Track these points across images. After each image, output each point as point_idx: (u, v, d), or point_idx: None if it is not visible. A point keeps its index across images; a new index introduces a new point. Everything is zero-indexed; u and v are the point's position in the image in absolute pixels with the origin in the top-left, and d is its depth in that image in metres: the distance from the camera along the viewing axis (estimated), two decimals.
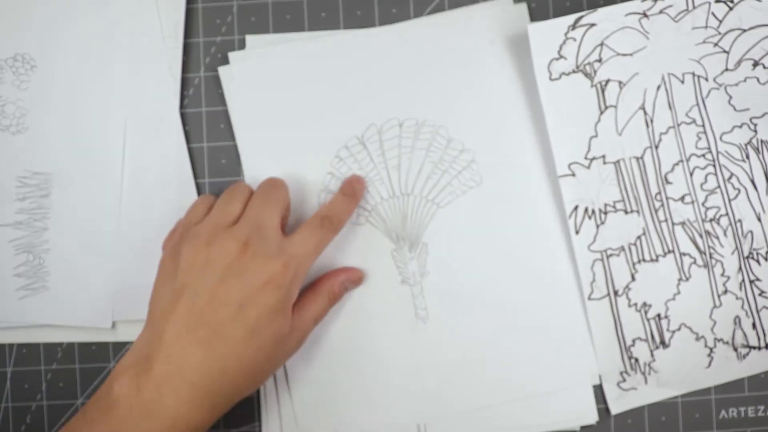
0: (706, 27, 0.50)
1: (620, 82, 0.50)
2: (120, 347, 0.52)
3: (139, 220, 0.51)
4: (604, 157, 0.50)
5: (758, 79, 0.50)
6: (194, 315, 0.42)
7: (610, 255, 0.50)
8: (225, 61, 0.52)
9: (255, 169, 0.51)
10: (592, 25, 0.49)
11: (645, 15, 0.49)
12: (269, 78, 0.51)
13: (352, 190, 0.50)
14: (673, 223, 0.50)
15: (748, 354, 0.50)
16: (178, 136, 0.52)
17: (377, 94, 0.51)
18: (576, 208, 0.50)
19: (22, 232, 0.51)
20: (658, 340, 0.50)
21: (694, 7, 0.49)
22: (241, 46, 0.52)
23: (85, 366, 0.52)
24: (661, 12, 0.49)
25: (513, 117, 0.51)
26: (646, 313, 0.50)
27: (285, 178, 0.50)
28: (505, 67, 0.51)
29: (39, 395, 0.52)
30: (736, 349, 0.50)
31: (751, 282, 0.50)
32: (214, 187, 0.52)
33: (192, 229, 0.45)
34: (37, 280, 0.51)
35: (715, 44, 0.50)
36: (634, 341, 0.50)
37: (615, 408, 0.50)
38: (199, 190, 0.52)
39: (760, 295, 0.50)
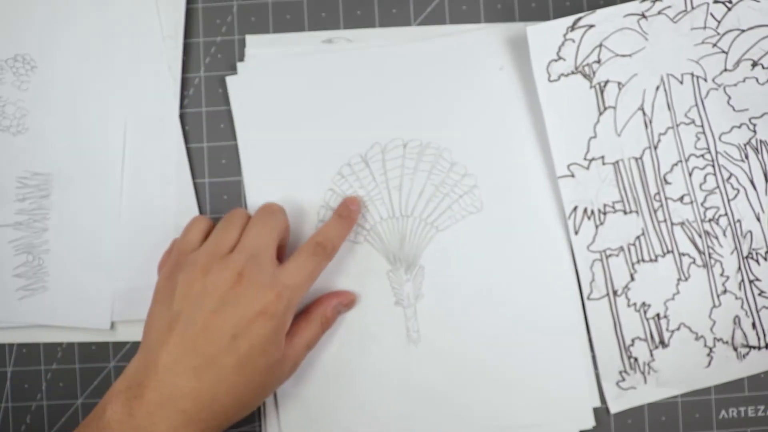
0: (704, 27, 0.49)
1: (619, 83, 0.49)
2: (120, 347, 0.52)
3: (138, 220, 0.51)
4: (603, 157, 0.50)
5: (757, 80, 0.49)
6: (188, 343, 0.42)
7: (609, 255, 0.50)
8: (225, 61, 0.52)
9: (257, 182, 0.51)
10: (591, 26, 0.49)
11: (643, 16, 0.49)
12: (276, 91, 0.51)
13: (348, 212, 0.49)
14: (672, 224, 0.50)
15: (747, 354, 0.50)
16: (178, 137, 0.51)
17: (383, 112, 0.51)
18: (575, 208, 0.50)
19: (22, 232, 0.51)
20: (657, 339, 0.49)
21: (693, 8, 0.49)
22: (241, 46, 0.51)
23: (85, 366, 0.51)
24: (659, 13, 0.49)
25: (519, 145, 0.51)
26: (645, 312, 0.50)
27: (286, 193, 0.50)
28: (515, 94, 0.51)
29: (39, 395, 0.51)
30: (735, 349, 0.50)
31: (750, 282, 0.50)
32: (214, 187, 0.51)
33: (189, 257, 0.45)
34: (37, 281, 0.51)
35: (714, 45, 0.49)
36: (633, 341, 0.50)
37: (614, 407, 0.50)
38: (199, 190, 0.51)
39: (759, 294, 0.50)
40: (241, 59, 0.51)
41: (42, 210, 0.51)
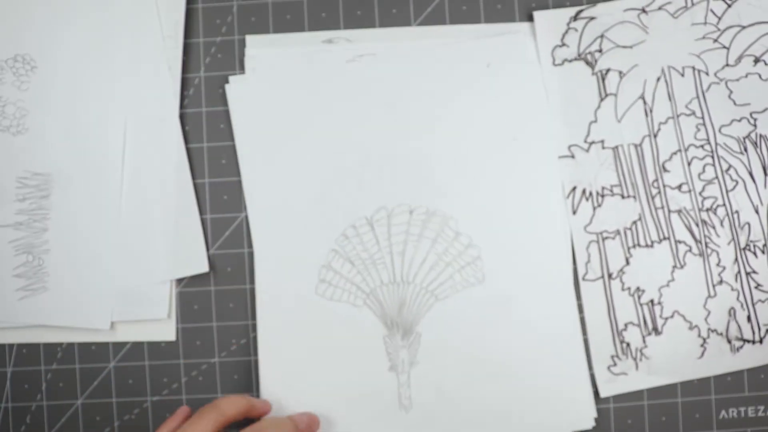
0: (705, 23, 0.48)
1: (620, 72, 0.48)
2: (120, 347, 0.49)
3: (138, 220, 0.48)
4: (603, 142, 0.48)
5: (760, 75, 0.48)
6: None
7: (606, 237, 0.48)
8: (225, 61, 0.49)
9: (256, 187, 0.48)
10: (592, 18, 0.48)
11: (644, 11, 0.48)
12: (275, 99, 0.48)
13: (308, 429, 0.45)
14: (669, 211, 0.48)
15: (741, 347, 0.47)
16: (178, 137, 0.48)
17: (381, 126, 0.48)
18: (574, 188, 0.48)
19: (22, 232, 0.48)
20: (650, 326, 0.47)
21: (693, 4, 0.48)
22: (241, 46, 0.49)
23: (85, 366, 0.49)
24: (660, 8, 0.48)
25: (525, 219, 0.48)
26: (639, 298, 0.47)
27: (290, 247, 0.47)
28: (527, 164, 0.48)
29: (39, 395, 0.49)
30: (729, 342, 0.47)
31: (747, 274, 0.48)
32: (214, 187, 0.49)
33: None
34: (37, 281, 0.48)
35: (715, 40, 0.48)
36: (626, 325, 0.47)
37: (604, 391, 0.47)
38: (199, 190, 0.49)
39: (756, 287, 0.48)
40: (242, 59, 0.49)
41: (42, 210, 0.48)
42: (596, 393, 0.47)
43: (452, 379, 0.47)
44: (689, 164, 0.48)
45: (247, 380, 0.48)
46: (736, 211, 0.47)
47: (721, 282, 0.47)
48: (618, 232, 0.47)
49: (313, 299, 0.47)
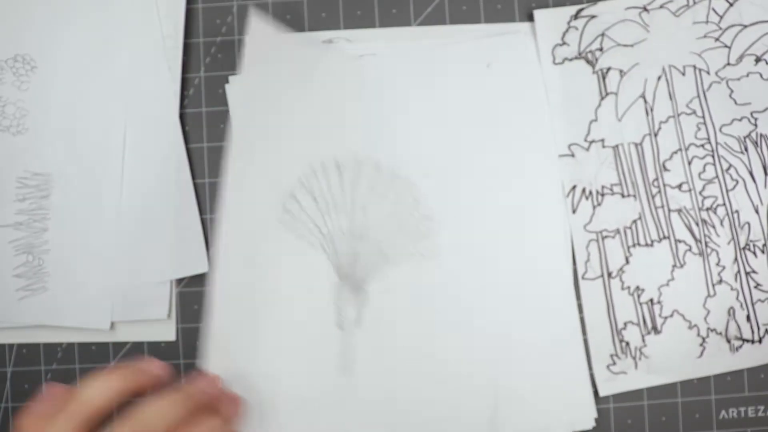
0: (706, 22, 0.47)
1: (621, 71, 0.47)
2: (120, 347, 0.48)
3: (138, 220, 0.47)
4: (603, 140, 0.47)
5: (761, 75, 0.47)
6: None
7: (606, 236, 0.47)
8: (225, 61, 0.48)
9: (240, 184, 0.46)
10: (593, 16, 0.47)
11: (645, 9, 0.47)
12: (273, 97, 0.47)
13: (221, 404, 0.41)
14: (669, 210, 0.47)
15: (741, 347, 0.47)
16: (178, 137, 0.48)
17: (370, 129, 0.47)
18: (574, 187, 0.47)
19: (22, 232, 0.48)
20: (650, 325, 0.46)
21: (695, 3, 0.47)
22: (241, 46, 0.48)
23: (85, 366, 0.48)
24: (661, 7, 0.47)
25: (525, 217, 0.47)
26: (638, 297, 0.46)
27: (257, 174, 0.46)
28: (526, 162, 0.47)
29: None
30: (729, 341, 0.47)
31: (747, 274, 0.47)
32: (214, 187, 0.48)
33: None
34: (37, 281, 0.47)
35: (716, 39, 0.47)
36: (625, 324, 0.46)
37: (603, 390, 0.46)
38: (199, 190, 0.48)
39: (755, 287, 0.47)
40: (241, 59, 0.48)
41: (42, 210, 0.47)
42: (595, 392, 0.46)
43: (397, 343, 0.46)
44: (689, 163, 0.47)
45: None
46: (736, 211, 0.47)
47: (720, 281, 0.46)
48: (618, 231, 0.47)
49: (275, 228, 0.46)
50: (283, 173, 0.47)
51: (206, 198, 0.48)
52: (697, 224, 0.47)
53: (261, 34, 0.47)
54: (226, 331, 0.45)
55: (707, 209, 0.47)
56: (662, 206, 0.47)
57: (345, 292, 0.46)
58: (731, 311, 0.47)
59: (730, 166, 0.47)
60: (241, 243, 0.46)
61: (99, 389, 0.36)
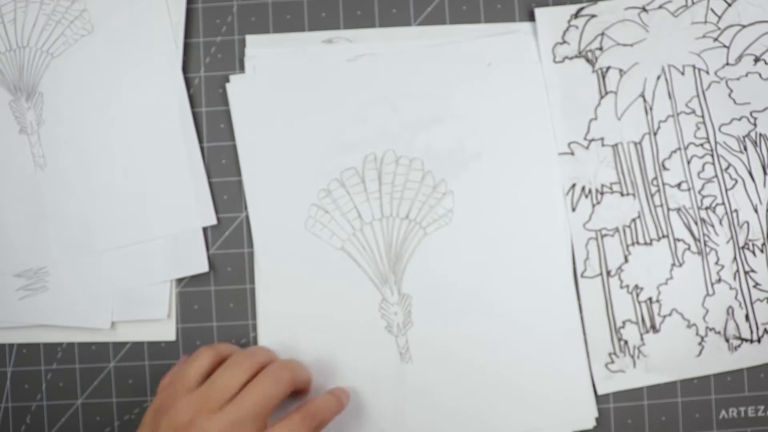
0: (705, 22, 0.47)
1: (620, 70, 0.47)
2: (120, 347, 0.48)
3: (139, 220, 0.47)
4: (602, 139, 0.47)
5: (760, 75, 0.47)
6: None
7: (605, 235, 0.47)
8: (225, 61, 0.48)
9: (257, 185, 0.47)
10: (593, 16, 0.47)
11: (644, 9, 0.47)
12: (276, 96, 0.47)
13: (340, 392, 0.44)
14: (668, 209, 0.47)
15: (739, 346, 0.46)
16: (178, 136, 0.47)
17: (378, 118, 0.47)
18: (573, 186, 0.47)
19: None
20: (648, 324, 0.46)
21: (693, 3, 0.47)
22: (241, 46, 0.48)
23: (85, 366, 0.48)
24: (660, 7, 0.47)
25: (524, 216, 0.47)
26: (637, 295, 0.46)
27: (281, 192, 0.46)
28: (526, 161, 0.47)
29: (39, 395, 0.48)
30: (727, 340, 0.46)
31: (746, 273, 0.47)
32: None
33: (179, 402, 0.40)
34: (37, 281, 0.47)
35: (715, 39, 0.47)
36: (624, 323, 0.46)
37: (602, 389, 0.46)
38: None
39: (754, 287, 0.47)
40: (242, 59, 0.48)
41: (42, 210, 0.47)
42: (594, 391, 0.46)
43: (449, 333, 0.46)
44: (689, 162, 0.47)
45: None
46: (735, 210, 0.47)
47: (719, 280, 0.46)
48: (617, 230, 0.46)
49: (303, 234, 0.46)
50: (302, 182, 0.47)
51: None
52: (696, 223, 0.47)
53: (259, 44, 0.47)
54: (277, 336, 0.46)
55: (706, 208, 0.47)
56: (661, 205, 0.47)
57: (388, 297, 0.46)
58: (730, 310, 0.46)
59: (729, 165, 0.47)
60: (276, 247, 0.46)
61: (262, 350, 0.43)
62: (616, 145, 0.47)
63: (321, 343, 0.46)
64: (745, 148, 0.47)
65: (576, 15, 0.47)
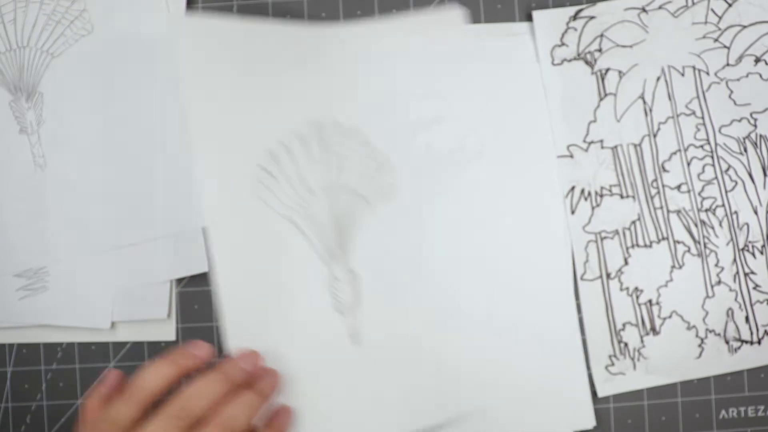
0: (705, 23, 0.47)
1: (620, 72, 0.47)
2: (120, 347, 0.48)
3: (138, 220, 0.46)
4: (602, 141, 0.47)
5: (761, 75, 0.47)
6: None
7: (605, 237, 0.46)
8: None
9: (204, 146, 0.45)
10: (592, 17, 0.47)
11: (644, 10, 0.47)
12: (222, 52, 0.46)
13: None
14: (668, 211, 0.47)
15: (739, 348, 0.46)
16: (179, 136, 0.46)
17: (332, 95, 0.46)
18: (573, 188, 0.47)
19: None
20: (648, 326, 0.46)
21: (693, 4, 0.47)
22: None
23: (85, 366, 0.48)
24: (660, 7, 0.47)
25: (523, 218, 0.46)
26: (637, 298, 0.46)
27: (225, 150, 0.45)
28: (525, 163, 0.46)
29: (39, 395, 0.48)
30: (727, 342, 0.46)
31: (745, 275, 0.46)
32: None
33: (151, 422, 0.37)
34: (37, 281, 0.47)
35: (716, 40, 0.47)
36: (624, 325, 0.46)
37: (602, 391, 0.46)
38: None
39: (754, 288, 0.46)
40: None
41: (42, 210, 0.47)
42: (594, 393, 0.46)
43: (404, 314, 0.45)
44: (689, 164, 0.47)
45: None
46: (735, 212, 0.46)
47: (719, 282, 0.46)
48: (617, 232, 0.46)
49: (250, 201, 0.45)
50: (248, 147, 0.45)
51: None
52: (696, 225, 0.46)
53: (196, 26, 0.46)
54: (238, 317, 0.45)
55: (706, 210, 0.46)
56: (661, 207, 0.46)
57: (336, 275, 0.45)
58: (730, 312, 0.46)
59: (730, 167, 0.47)
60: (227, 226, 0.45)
61: (154, 375, 0.39)
62: (615, 147, 0.47)
63: (268, 322, 0.45)
64: (746, 150, 0.47)
65: (575, 17, 0.47)
